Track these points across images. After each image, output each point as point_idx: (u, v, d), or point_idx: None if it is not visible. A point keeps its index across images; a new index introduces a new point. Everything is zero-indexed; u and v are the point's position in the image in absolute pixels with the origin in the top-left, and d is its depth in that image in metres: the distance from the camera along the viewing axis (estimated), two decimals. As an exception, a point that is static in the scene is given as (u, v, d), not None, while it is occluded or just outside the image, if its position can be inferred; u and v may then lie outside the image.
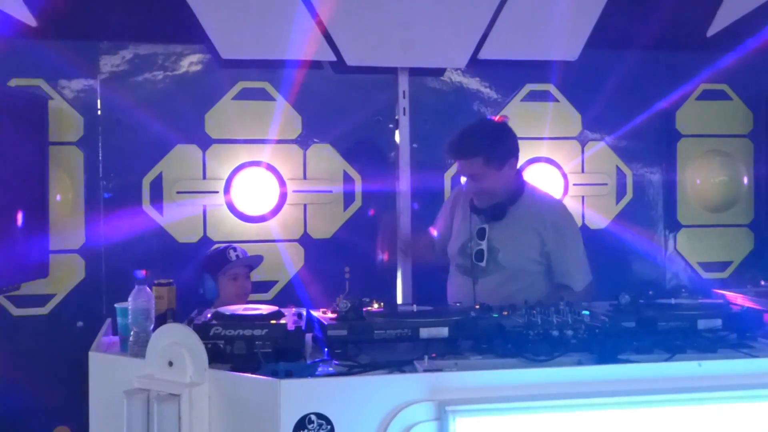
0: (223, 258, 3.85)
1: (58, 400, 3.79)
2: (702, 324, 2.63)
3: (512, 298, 2.95)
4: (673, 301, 2.89)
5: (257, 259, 3.96)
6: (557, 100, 4.58)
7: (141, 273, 2.54)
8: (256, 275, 4.06)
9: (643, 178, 4.69)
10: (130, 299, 2.53)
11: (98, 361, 2.42)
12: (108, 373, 2.38)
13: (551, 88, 4.57)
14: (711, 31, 4.52)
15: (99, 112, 4.15)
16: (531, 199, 3.44)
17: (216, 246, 4.05)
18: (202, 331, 2.34)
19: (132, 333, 2.49)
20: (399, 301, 4.22)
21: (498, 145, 3.34)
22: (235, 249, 3.89)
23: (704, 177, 4.72)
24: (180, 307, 2.81)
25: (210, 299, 3.76)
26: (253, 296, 3.94)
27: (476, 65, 4.37)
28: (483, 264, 3.30)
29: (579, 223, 4.55)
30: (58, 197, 4.09)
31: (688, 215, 4.75)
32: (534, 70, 4.46)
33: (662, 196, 4.71)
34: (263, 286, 4.24)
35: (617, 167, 4.66)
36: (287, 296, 4.20)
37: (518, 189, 3.42)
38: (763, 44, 4.40)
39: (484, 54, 4.30)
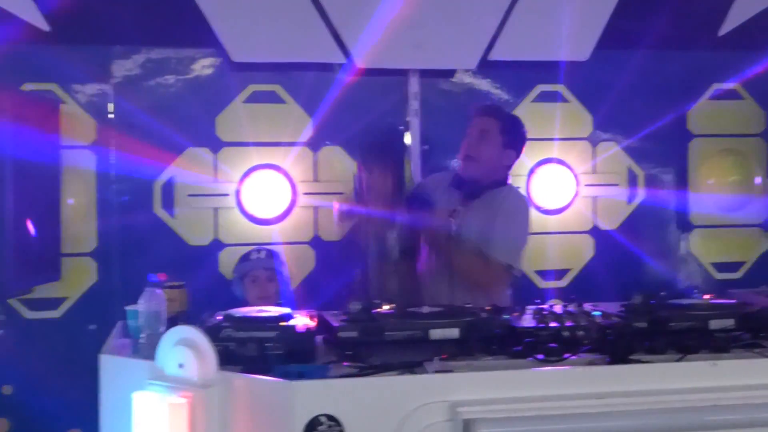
0: (245, 259, 3.86)
1: (71, 403, 3.79)
2: (714, 324, 2.61)
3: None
4: (685, 301, 2.87)
5: (274, 260, 3.91)
6: (568, 101, 4.57)
7: (156, 277, 2.54)
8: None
9: (655, 179, 4.67)
10: (140, 302, 2.52)
11: (109, 363, 2.43)
12: (119, 376, 2.38)
13: (562, 88, 4.55)
14: (723, 30, 4.50)
15: (112, 116, 4.17)
16: (509, 191, 3.61)
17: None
18: (212, 332, 2.33)
19: (143, 335, 2.49)
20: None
21: (516, 129, 3.58)
22: (258, 251, 3.90)
23: (716, 177, 4.69)
24: (192, 309, 2.81)
25: (241, 302, 3.76)
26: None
27: (487, 66, 4.37)
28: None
29: (590, 224, 4.55)
30: (71, 200, 4.11)
31: (700, 216, 4.71)
32: (545, 70, 4.44)
33: (674, 196, 4.68)
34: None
35: (629, 168, 4.64)
36: (299, 298, 4.19)
37: (501, 181, 3.56)
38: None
39: (495, 55, 4.30)
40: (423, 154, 4.33)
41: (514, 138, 3.54)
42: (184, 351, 2.19)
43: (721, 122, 4.72)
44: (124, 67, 4.19)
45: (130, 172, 4.17)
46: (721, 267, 4.73)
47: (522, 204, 3.63)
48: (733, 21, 4.48)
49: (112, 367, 2.42)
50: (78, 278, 4.13)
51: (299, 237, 4.33)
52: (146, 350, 2.44)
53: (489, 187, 3.49)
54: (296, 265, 4.31)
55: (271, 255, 3.95)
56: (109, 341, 2.67)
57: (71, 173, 4.10)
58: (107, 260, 4.14)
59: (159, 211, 4.20)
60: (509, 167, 3.63)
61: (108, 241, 4.15)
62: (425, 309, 2.70)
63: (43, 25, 3.90)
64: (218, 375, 2.18)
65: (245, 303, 3.73)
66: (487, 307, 2.81)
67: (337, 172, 4.36)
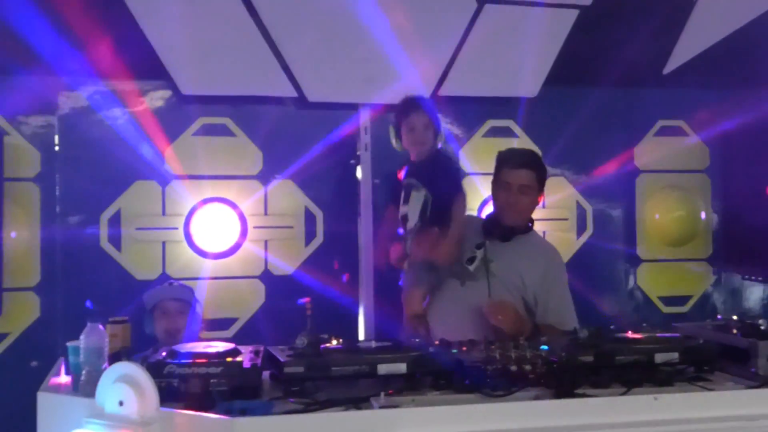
0: (153, 291, 3.77)
1: (10, 442, 3.70)
2: (659, 358, 2.64)
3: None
4: (631, 335, 2.90)
5: (184, 292, 3.79)
6: (518, 136, 4.64)
7: (91, 304, 2.49)
8: (217, 313, 4.02)
9: (602, 213, 4.75)
10: (82, 337, 2.46)
11: (47, 401, 2.37)
12: (57, 414, 2.32)
13: (512, 124, 4.62)
14: (667, 69, 4.63)
15: (57, 148, 4.12)
16: (537, 237, 3.67)
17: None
18: (155, 369, 2.30)
19: (84, 372, 2.44)
20: (361, 337, 4.20)
21: (545, 170, 3.57)
22: (171, 283, 3.81)
23: (663, 212, 4.79)
24: (137, 346, 2.76)
25: (149, 335, 3.65)
26: (212, 334, 3.89)
27: (437, 101, 4.40)
28: (471, 268, 3.33)
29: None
30: (13, 234, 4.03)
31: (648, 250, 4.80)
32: (495, 106, 4.52)
33: (622, 230, 4.76)
34: (223, 323, 4.20)
35: (577, 202, 4.71)
36: (247, 334, 4.16)
37: (530, 223, 3.59)
38: (718, 81, 4.50)
39: (445, 90, 4.35)
40: (374, 188, 4.35)
41: (544, 180, 3.56)
42: (125, 388, 2.15)
43: (666, 158, 4.83)
44: (70, 99, 4.15)
45: (75, 205, 4.12)
46: (669, 301, 4.81)
47: (561, 261, 3.67)
48: (676, 60, 4.61)
49: (51, 405, 2.36)
50: (20, 313, 4.05)
51: (249, 271, 4.31)
52: (86, 387, 2.38)
53: (519, 232, 3.52)
54: (246, 299, 4.29)
55: (184, 288, 3.85)
56: (49, 378, 2.60)
57: (14, 206, 4.03)
58: (51, 295, 4.07)
59: (105, 245, 4.14)
60: None
61: (52, 275, 4.08)
62: (373, 344, 2.70)
63: (-12, 55, 3.86)
64: (159, 413, 2.14)
65: (153, 338, 3.61)
66: (436, 342, 2.81)
67: (287, 205, 4.35)
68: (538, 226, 4.54)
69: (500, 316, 3.19)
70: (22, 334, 4.04)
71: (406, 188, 3.36)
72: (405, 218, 3.34)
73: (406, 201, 3.35)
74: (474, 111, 4.55)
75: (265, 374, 2.57)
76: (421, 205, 3.32)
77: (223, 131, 4.30)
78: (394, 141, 3.46)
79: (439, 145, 3.44)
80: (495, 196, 3.57)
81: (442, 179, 3.34)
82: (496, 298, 3.30)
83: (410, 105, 3.43)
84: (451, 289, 3.39)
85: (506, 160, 3.55)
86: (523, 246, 3.50)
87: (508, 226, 3.49)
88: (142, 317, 3.70)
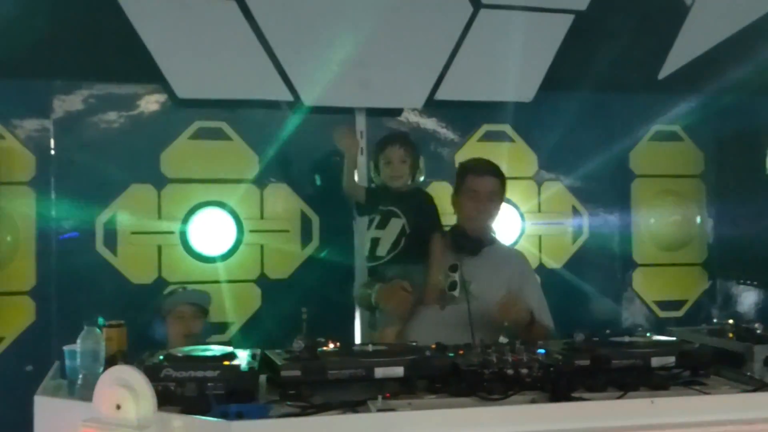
0: (169, 296, 3.83)
1: (5, 447, 3.69)
2: (655, 361, 2.65)
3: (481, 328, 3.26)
4: (627, 339, 2.92)
5: (202, 297, 3.91)
6: (513, 141, 4.64)
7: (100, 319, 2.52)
8: (213, 317, 4.01)
9: (598, 218, 4.75)
10: (78, 341, 2.48)
11: (44, 405, 2.36)
12: (54, 418, 2.31)
13: (507, 128, 4.63)
14: (662, 74, 4.65)
15: (52, 152, 4.11)
16: (501, 246, 3.78)
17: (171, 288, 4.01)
18: (152, 372, 2.29)
19: (80, 376, 2.44)
20: (358, 340, 4.20)
21: (505, 182, 3.68)
22: (184, 288, 3.85)
23: (658, 216, 4.81)
24: (133, 349, 2.76)
25: (160, 341, 3.69)
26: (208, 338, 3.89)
27: (433, 105, 4.44)
28: (456, 293, 3.37)
29: (536, 262, 4.62)
30: (8, 238, 4.02)
31: (643, 254, 4.81)
32: (491, 110, 4.53)
33: (618, 235, 4.77)
34: (220, 328, 4.20)
35: (573, 207, 4.72)
36: (244, 337, 4.15)
37: (493, 233, 3.70)
38: (713, 86, 4.52)
39: (441, 94, 4.37)
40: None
41: (505, 192, 3.69)
42: (122, 391, 2.15)
43: (661, 163, 4.84)
44: (65, 103, 4.14)
45: (70, 210, 4.11)
46: (664, 305, 4.82)
47: (529, 264, 3.84)
48: (671, 65, 4.64)
49: (47, 408, 2.35)
50: (15, 318, 4.03)
51: (245, 275, 4.30)
52: (83, 391, 2.38)
53: (487, 243, 3.60)
54: (242, 303, 4.28)
55: (198, 292, 3.94)
56: (45, 382, 2.60)
57: (9, 210, 4.02)
58: (46, 299, 4.05)
59: (101, 248, 4.13)
60: None
61: (47, 279, 4.06)
62: (369, 347, 2.70)
63: (-18, 58, 3.85)
64: (156, 416, 2.14)
65: (165, 343, 3.65)
66: (432, 345, 2.82)
67: (283, 209, 4.35)
68: (533, 230, 4.63)
69: (513, 309, 3.26)
70: (17, 339, 4.03)
71: (385, 214, 3.46)
72: (376, 242, 3.46)
73: (383, 226, 3.45)
74: (469, 115, 4.56)
75: (262, 378, 2.57)
76: (397, 234, 3.42)
77: (219, 135, 4.29)
78: (372, 173, 3.61)
79: (421, 178, 3.58)
80: (460, 206, 3.62)
81: (423, 215, 3.48)
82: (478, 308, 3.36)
83: (388, 139, 3.60)
84: (431, 314, 3.43)
85: (471, 169, 3.65)
86: (492, 258, 3.57)
87: (476, 238, 3.55)
88: (154, 324, 3.77)
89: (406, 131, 3.92)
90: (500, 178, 3.60)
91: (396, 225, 3.45)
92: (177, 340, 3.63)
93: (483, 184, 3.56)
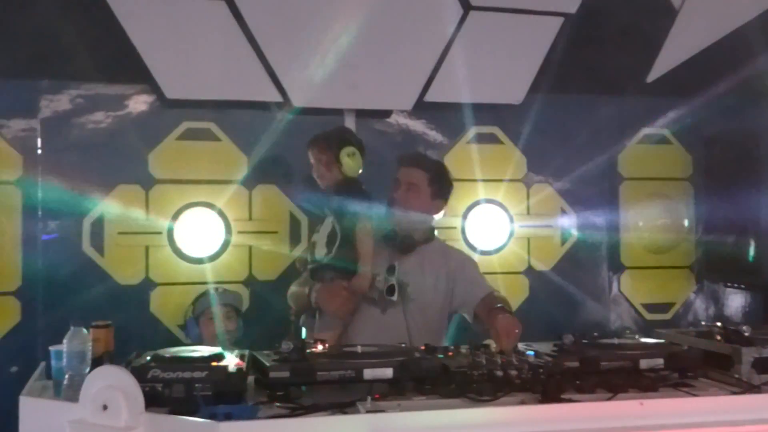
0: (202, 297, 3.87)
1: (-11, 448, 3.65)
2: (644, 363, 2.66)
3: (419, 329, 3.32)
4: (616, 341, 2.93)
5: (234, 297, 3.98)
6: (502, 143, 4.65)
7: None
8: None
9: (587, 220, 4.76)
10: (64, 341, 2.46)
11: (29, 406, 2.34)
12: (39, 419, 2.29)
13: (497, 130, 4.64)
14: (651, 77, 4.67)
15: (39, 152, 4.08)
16: (439, 244, 3.70)
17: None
18: (139, 373, 2.28)
19: (67, 376, 2.43)
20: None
21: (443, 177, 3.59)
22: (217, 289, 3.91)
23: (646, 219, 4.82)
24: (120, 350, 2.74)
25: (194, 343, 3.70)
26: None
27: (422, 108, 4.44)
28: (394, 297, 3.34)
29: (525, 264, 4.62)
30: (-6, 237, 4.00)
31: (631, 257, 4.83)
32: (480, 113, 4.52)
33: (606, 237, 4.79)
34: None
35: (562, 209, 4.73)
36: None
37: (431, 232, 3.64)
38: (702, 90, 4.54)
39: (431, 96, 4.38)
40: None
41: (442, 187, 3.57)
42: (109, 392, 2.14)
43: (650, 166, 4.86)
44: (53, 102, 4.12)
45: (57, 209, 4.08)
46: (651, 307, 4.84)
47: (465, 254, 3.85)
48: (660, 68, 4.66)
49: (33, 409, 2.33)
50: (0, 318, 3.99)
51: (233, 276, 4.28)
52: (69, 392, 2.37)
53: (421, 241, 3.55)
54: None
55: (229, 293, 3.99)
56: (31, 383, 2.58)
57: (-5, 209, 4.00)
58: (32, 300, 4.02)
59: (88, 249, 4.11)
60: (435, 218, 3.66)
61: (33, 279, 4.03)
62: (359, 348, 2.70)
63: (-31, 57, 3.83)
64: (144, 417, 2.13)
65: (200, 344, 3.65)
66: (421, 347, 2.81)
67: (272, 211, 4.34)
68: (522, 233, 4.63)
69: (515, 331, 2.96)
70: (2, 339, 3.99)
71: (322, 217, 3.46)
72: (312, 246, 3.44)
73: (317, 230, 3.47)
74: (458, 117, 4.55)
75: (250, 379, 2.56)
76: (327, 236, 3.38)
77: (207, 136, 4.28)
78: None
79: (359, 171, 3.44)
80: (388, 199, 3.56)
81: (349, 208, 3.35)
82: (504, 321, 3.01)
83: (312, 141, 3.52)
84: (372, 316, 3.42)
85: (401, 160, 3.64)
86: (426, 255, 3.54)
87: (407, 235, 3.50)
88: (187, 326, 3.84)
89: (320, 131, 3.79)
90: (429, 173, 3.52)
91: (327, 225, 3.40)
92: (211, 342, 3.64)
93: (405, 174, 3.52)
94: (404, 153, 3.82)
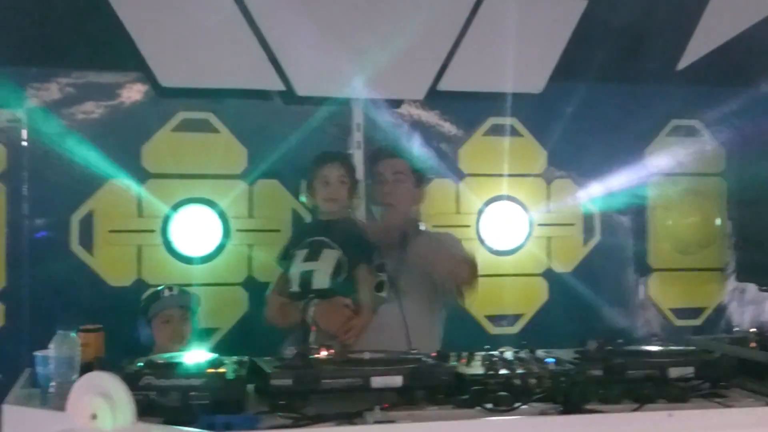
0: (155, 297, 3.83)
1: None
2: (674, 372, 2.65)
3: (414, 324, 3.40)
4: (642, 348, 2.92)
5: (190, 298, 3.92)
6: (521, 135, 4.64)
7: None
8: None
9: (611, 219, 4.74)
10: (51, 347, 2.47)
11: (13, 414, 2.34)
12: (24, 428, 2.30)
13: (515, 122, 4.62)
14: (681, 65, 4.64)
15: (25, 144, 4.10)
16: (429, 234, 3.82)
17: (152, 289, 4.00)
18: (131, 380, 2.28)
19: (53, 383, 2.43)
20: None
21: (420, 164, 3.83)
22: (171, 288, 3.87)
23: (676, 218, 4.81)
24: (111, 355, 2.75)
25: (146, 346, 3.70)
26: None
27: (435, 97, 4.43)
28: (383, 294, 3.44)
29: (544, 266, 4.61)
30: (-23, 236, 4.02)
31: (659, 258, 4.81)
32: (497, 102, 4.50)
33: (632, 237, 4.77)
34: (204, 334, 4.18)
35: (584, 207, 4.71)
36: (230, 344, 4.14)
37: (416, 227, 3.74)
38: (735, 78, 4.52)
39: (444, 85, 4.37)
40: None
41: (422, 175, 3.79)
42: (98, 400, 2.14)
43: (680, 160, 4.83)
44: (40, 91, 4.12)
45: (45, 206, 4.09)
46: (681, 313, 4.82)
47: (447, 234, 3.94)
48: (691, 55, 4.63)
49: (17, 418, 2.34)
50: (-17, 322, 4.02)
51: (231, 278, 4.29)
52: (56, 400, 2.38)
53: (411, 234, 3.63)
54: (228, 307, 4.27)
55: (186, 294, 3.94)
56: (15, 390, 2.60)
57: (-23, 206, 4.02)
58: (17, 302, 4.04)
59: (76, 248, 4.12)
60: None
61: (18, 281, 4.05)
62: (366, 355, 2.70)
63: (-49, 43, 3.84)
64: (136, 427, 2.13)
65: (151, 347, 3.70)
66: (433, 354, 2.81)
67: (273, 207, 4.34)
68: (541, 232, 4.62)
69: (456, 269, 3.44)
70: (-15, 345, 4.02)
71: (316, 245, 3.44)
72: (308, 275, 3.40)
73: (314, 258, 3.42)
74: (474, 108, 4.55)
75: (250, 387, 2.56)
76: (334, 266, 3.39)
77: (204, 127, 4.28)
78: (305, 196, 3.58)
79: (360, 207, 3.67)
80: (373, 197, 3.69)
81: (357, 245, 3.43)
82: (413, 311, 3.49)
83: (327, 157, 3.57)
84: None
85: (377, 153, 3.81)
86: (416, 247, 3.57)
87: (397, 230, 3.59)
88: (138, 328, 3.81)
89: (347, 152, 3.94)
90: (405, 158, 3.77)
91: (331, 257, 3.41)
92: (165, 345, 3.64)
93: (388, 166, 3.69)
94: (376, 147, 3.97)
